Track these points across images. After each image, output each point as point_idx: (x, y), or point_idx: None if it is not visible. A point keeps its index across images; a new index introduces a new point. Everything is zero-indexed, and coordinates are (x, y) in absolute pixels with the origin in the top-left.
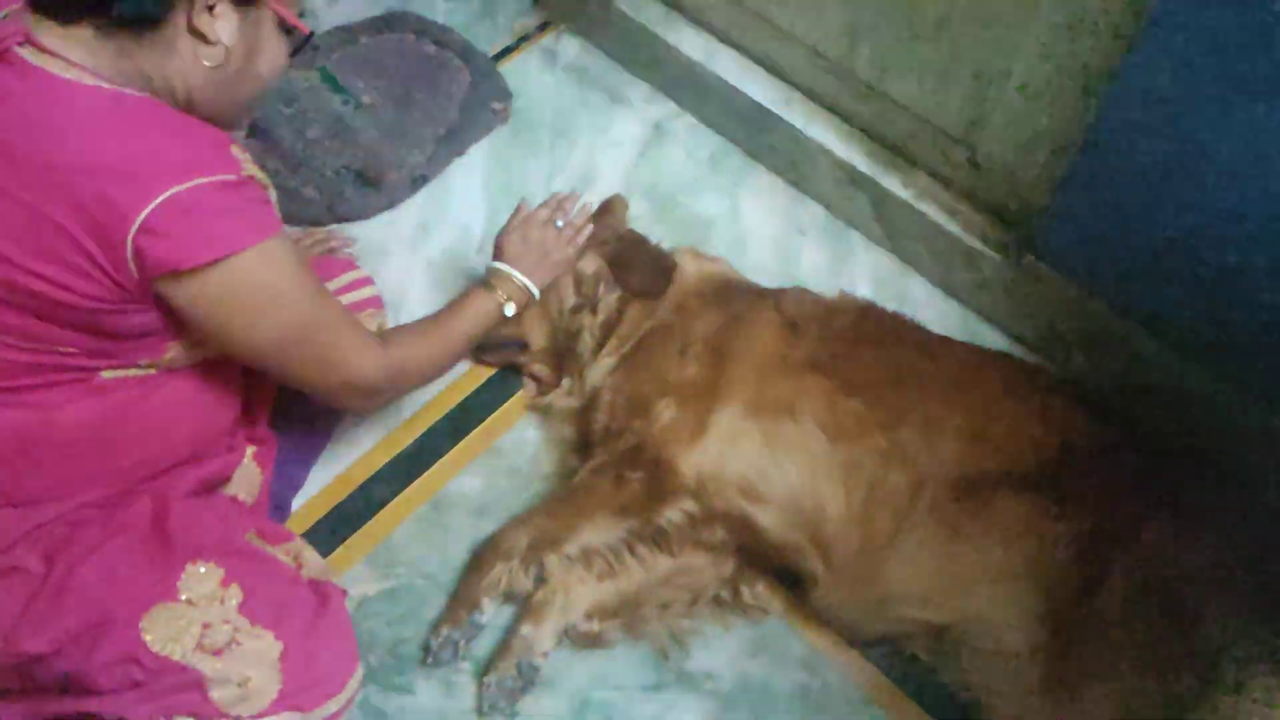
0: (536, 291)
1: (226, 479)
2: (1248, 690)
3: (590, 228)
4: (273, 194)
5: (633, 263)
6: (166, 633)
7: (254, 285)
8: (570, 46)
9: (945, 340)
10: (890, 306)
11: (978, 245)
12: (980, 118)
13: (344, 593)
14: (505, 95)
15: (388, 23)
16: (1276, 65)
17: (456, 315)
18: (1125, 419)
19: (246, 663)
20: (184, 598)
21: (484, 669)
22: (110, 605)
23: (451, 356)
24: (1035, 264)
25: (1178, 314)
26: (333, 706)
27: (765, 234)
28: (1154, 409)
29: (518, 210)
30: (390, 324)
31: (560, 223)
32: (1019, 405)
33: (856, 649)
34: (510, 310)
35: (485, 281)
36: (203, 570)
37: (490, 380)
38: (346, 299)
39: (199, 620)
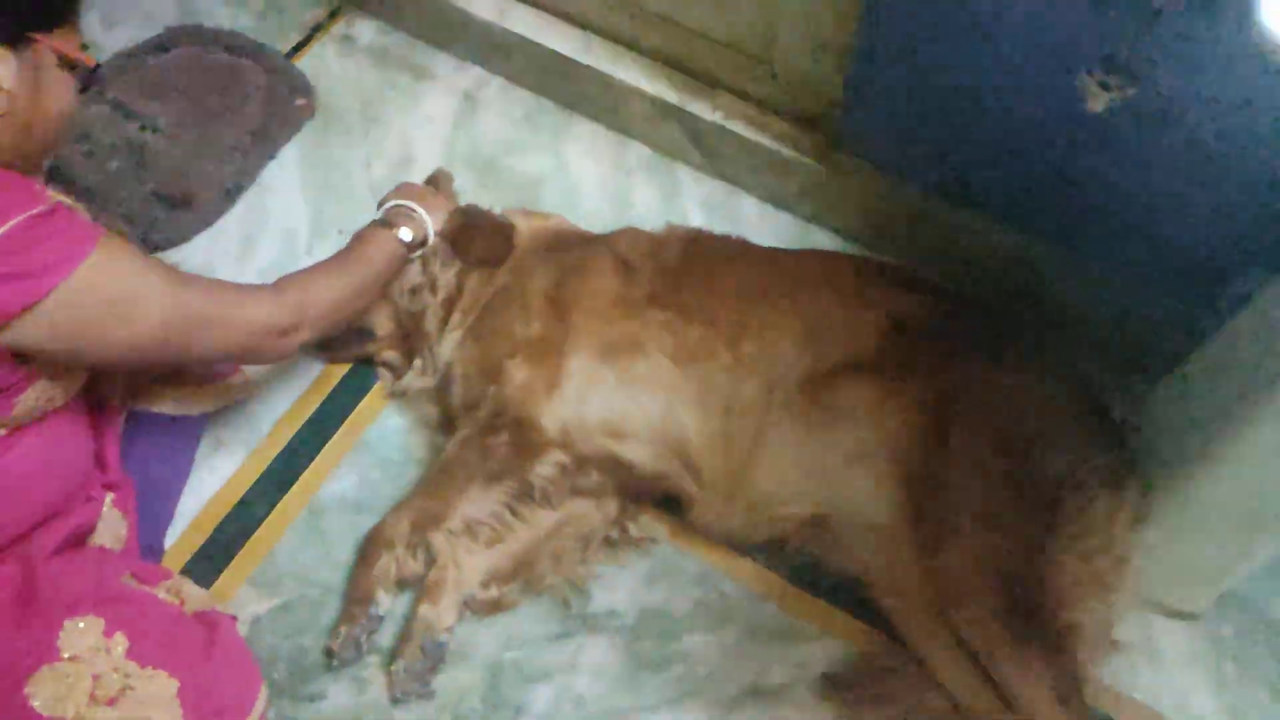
0: (432, 225)
1: (91, 529)
2: (1091, 510)
3: None
4: (83, 211)
5: (471, 235)
6: (54, 693)
7: (105, 291)
8: (365, 29)
9: (770, 250)
10: (724, 228)
11: (791, 153)
12: (770, 31)
13: (233, 618)
14: (307, 90)
15: (171, 39)
16: None
17: (352, 249)
18: (946, 289)
19: (144, 706)
20: (66, 655)
21: (390, 658)
22: None
23: (355, 286)
24: (844, 160)
25: (974, 181)
26: None
27: (594, 182)
28: (971, 274)
29: None
30: None
31: None
32: (848, 296)
33: (744, 555)
34: (406, 235)
35: (376, 221)
36: (82, 624)
37: (345, 378)
38: None
39: (87, 674)
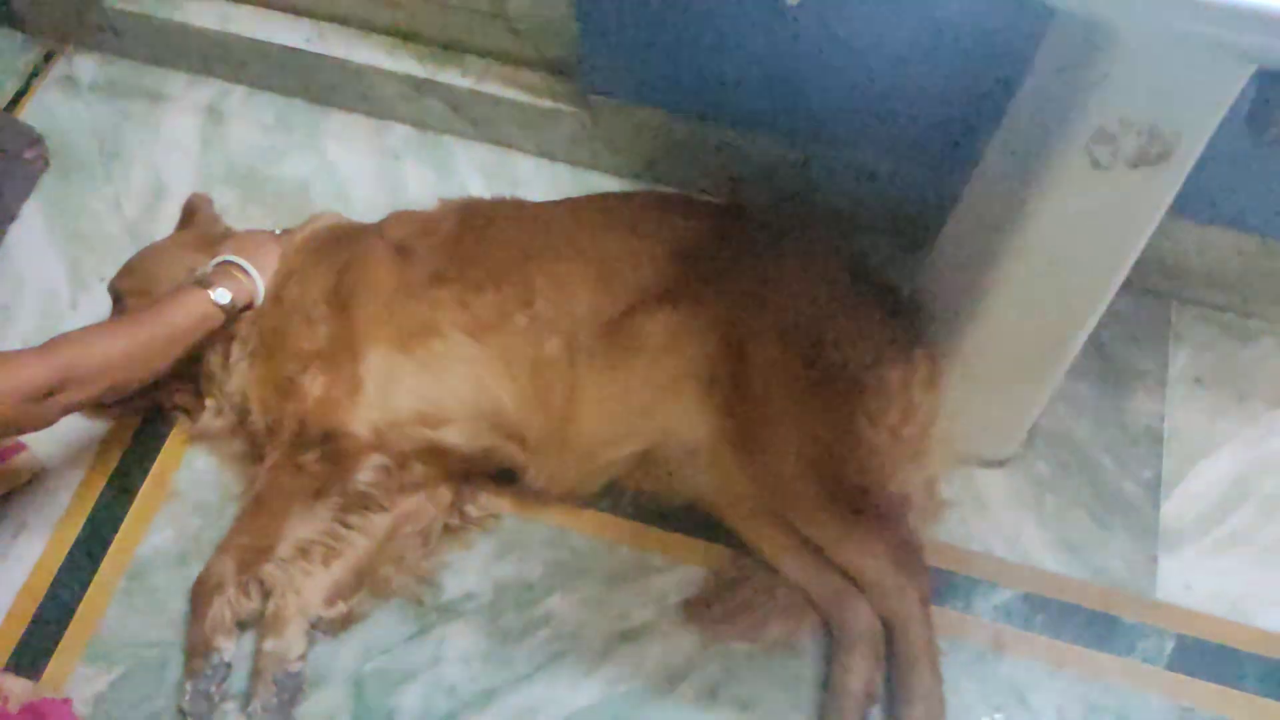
0: (261, 290)
1: None
2: (888, 383)
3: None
4: None
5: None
6: None
7: None
8: (86, 65)
9: (545, 204)
10: (505, 191)
11: (550, 104)
12: None
13: (67, 701)
14: (35, 140)
15: None
16: None
17: (152, 307)
18: (721, 206)
19: None
20: None
21: (246, 700)
22: None
23: (144, 351)
24: (599, 101)
25: (715, 97)
26: None
27: (363, 173)
28: (743, 187)
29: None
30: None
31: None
32: (627, 233)
33: (588, 508)
34: (223, 298)
35: (196, 280)
36: None
37: (139, 430)
38: None
39: None
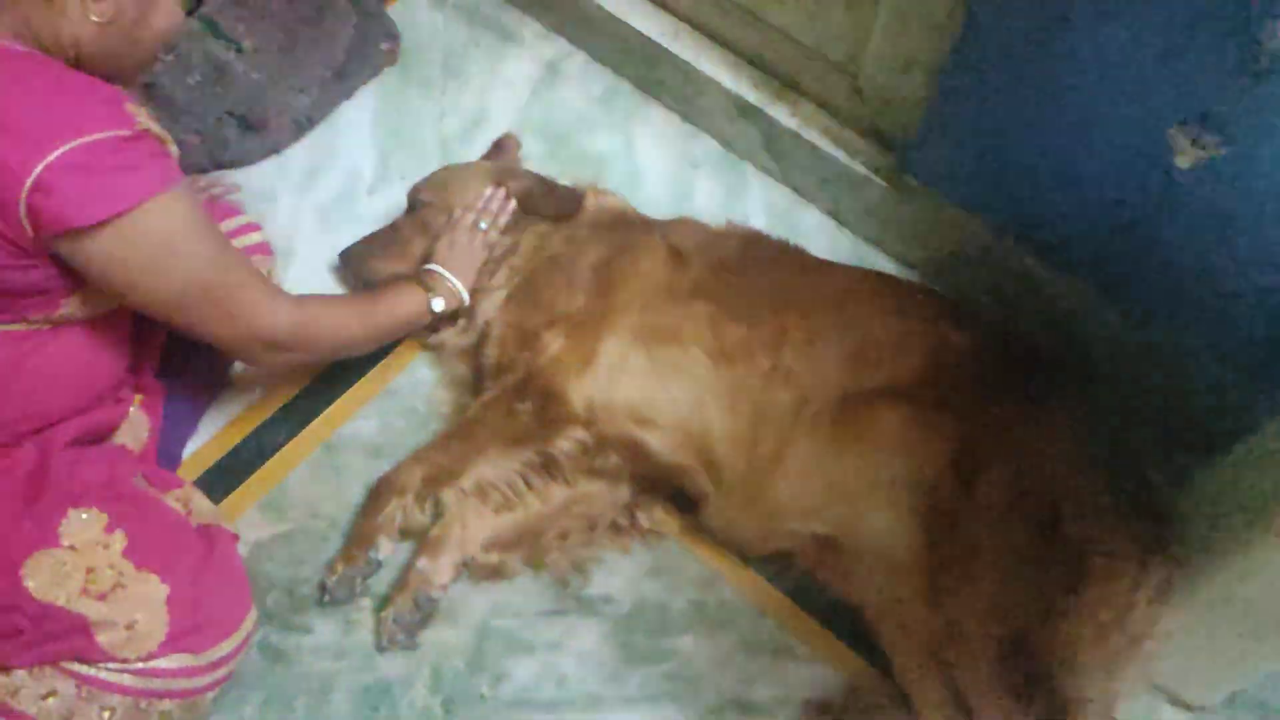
0: (466, 296)
1: (112, 430)
2: (1115, 582)
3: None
4: (173, 149)
5: (542, 193)
6: (49, 579)
7: (153, 240)
8: None
9: (826, 263)
10: (782, 237)
11: (862, 171)
12: (858, 42)
13: (235, 536)
14: (393, 35)
15: None
16: None
17: (382, 296)
18: (997, 330)
19: (133, 606)
20: (66, 544)
21: (382, 604)
22: None
23: (368, 333)
24: (914, 186)
25: (1043, 224)
26: (226, 648)
27: (659, 169)
28: (1025, 318)
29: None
30: (279, 271)
31: (485, 224)
32: (896, 322)
33: (750, 566)
34: (439, 306)
35: (417, 280)
36: (85, 516)
37: None
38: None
39: (83, 565)
